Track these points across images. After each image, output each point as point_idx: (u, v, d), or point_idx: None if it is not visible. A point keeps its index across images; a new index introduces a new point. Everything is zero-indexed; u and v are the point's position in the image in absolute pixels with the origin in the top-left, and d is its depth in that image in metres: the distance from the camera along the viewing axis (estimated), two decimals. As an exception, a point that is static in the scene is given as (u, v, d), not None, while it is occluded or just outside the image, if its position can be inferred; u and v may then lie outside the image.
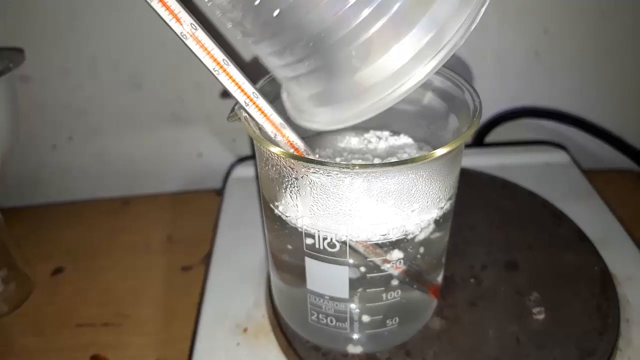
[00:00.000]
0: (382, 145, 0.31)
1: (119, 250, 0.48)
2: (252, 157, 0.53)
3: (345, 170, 0.22)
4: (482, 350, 0.31)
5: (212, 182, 0.56)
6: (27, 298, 0.44)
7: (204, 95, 0.51)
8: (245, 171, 0.50)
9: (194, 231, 0.50)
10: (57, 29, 0.46)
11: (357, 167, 0.22)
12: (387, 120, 0.32)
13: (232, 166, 0.51)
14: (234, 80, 0.26)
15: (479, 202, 0.41)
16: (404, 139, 0.32)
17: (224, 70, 0.26)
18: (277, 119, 0.27)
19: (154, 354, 0.39)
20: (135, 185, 0.56)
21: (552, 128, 0.54)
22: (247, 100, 0.26)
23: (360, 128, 0.33)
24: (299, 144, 0.27)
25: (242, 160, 0.52)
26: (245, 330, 0.35)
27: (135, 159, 0.55)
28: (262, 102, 0.27)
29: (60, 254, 0.48)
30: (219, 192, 0.54)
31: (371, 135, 0.33)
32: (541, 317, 0.33)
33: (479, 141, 0.54)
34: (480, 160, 0.47)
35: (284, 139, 0.27)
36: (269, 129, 0.27)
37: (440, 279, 0.32)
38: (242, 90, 0.26)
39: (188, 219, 0.52)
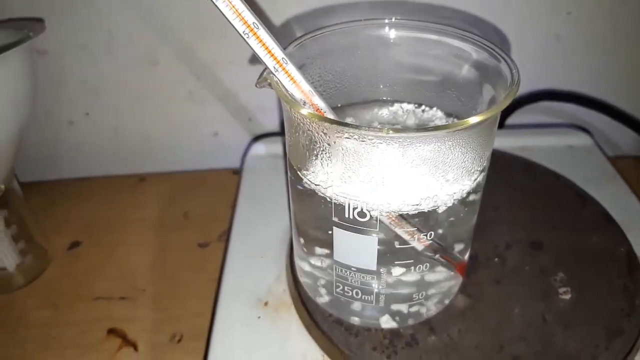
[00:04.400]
0: (410, 117, 0.31)
1: (134, 226, 0.48)
2: (270, 135, 0.52)
3: (380, 135, 0.22)
4: (507, 328, 0.30)
5: (227, 161, 0.56)
6: (44, 271, 0.44)
7: (220, 73, 0.50)
8: (264, 148, 0.49)
9: (210, 209, 0.50)
10: (74, 3, 0.45)
11: (393, 132, 0.21)
12: (414, 92, 0.32)
13: (251, 143, 0.51)
14: (264, 45, 0.26)
15: (502, 182, 0.40)
16: (432, 112, 0.31)
17: (254, 34, 0.25)
18: (305, 86, 0.26)
19: (170, 328, 0.39)
20: (151, 163, 0.56)
21: (572, 112, 0.53)
22: (277, 66, 0.26)
23: (387, 101, 0.32)
24: (327, 112, 0.27)
25: (260, 137, 0.52)
26: (266, 304, 0.34)
27: (151, 137, 0.55)
28: (291, 68, 0.26)
29: (76, 229, 0.48)
30: (235, 171, 0.53)
31: (397, 107, 0.32)
32: (567, 297, 0.32)
33: (500, 123, 0.53)
34: (502, 142, 0.46)
35: (312, 106, 0.27)
36: (298, 95, 0.26)
37: (466, 256, 0.31)
38: (272, 55, 0.26)
39: (204, 196, 0.52)
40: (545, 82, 0.52)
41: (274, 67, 0.26)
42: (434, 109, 0.31)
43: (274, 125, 0.54)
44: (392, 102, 0.32)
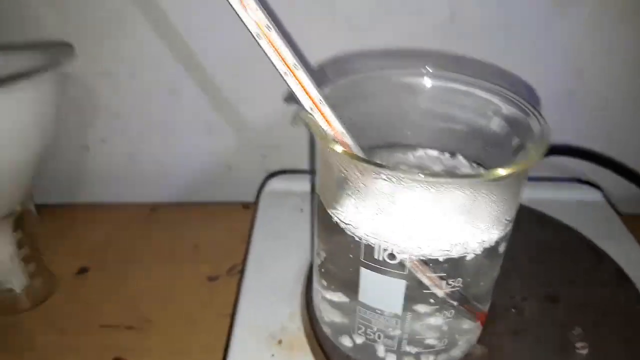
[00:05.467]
0: (437, 163, 0.31)
1: (144, 255, 0.48)
2: (286, 172, 0.53)
3: (418, 179, 0.22)
4: (526, 381, 0.30)
5: (239, 196, 0.56)
6: (51, 295, 0.43)
7: (239, 108, 0.51)
8: (279, 185, 0.50)
9: (221, 242, 0.49)
10: (103, 29, 0.46)
11: (431, 177, 0.22)
12: (440, 139, 0.32)
13: (266, 179, 0.51)
14: (302, 85, 0.26)
15: (517, 234, 0.40)
16: (457, 159, 0.32)
17: (294, 74, 0.26)
18: (339, 127, 0.27)
19: (177, 361, 0.39)
20: (163, 192, 0.56)
21: (583, 168, 0.54)
22: (312, 106, 0.27)
23: (411, 146, 0.33)
24: (359, 154, 0.27)
25: (276, 173, 0.52)
26: (279, 342, 0.34)
27: (166, 167, 0.55)
28: (326, 109, 0.27)
29: (85, 255, 0.48)
30: (246, 205, 0.53)
31: (421, 153, 0.33)
32: (585, 352, 0.32)
33: (511, 175, 0.54)
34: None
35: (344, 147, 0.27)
36: (330, 136, 0.27)
37: (488, 306, 0.31)
38: (309, 96, 0.26)
39: (215, 230, 0.51)
40: (557, 137, 0.53)
41: (310, 107, 0.26)
42: (459, 156, 0.32)
43: (287, 163, 0.55)
44: (415, 147, 0.33)
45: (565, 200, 0.48)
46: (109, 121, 0.52)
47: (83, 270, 0.46)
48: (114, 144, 0.53)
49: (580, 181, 0.53)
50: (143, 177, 0.55)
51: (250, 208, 0.52)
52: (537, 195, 0.48)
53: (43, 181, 0.53)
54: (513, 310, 0.35)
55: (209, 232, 0.51)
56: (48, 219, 0.50)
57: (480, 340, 0.32)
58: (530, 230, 0.42)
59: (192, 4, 0.45)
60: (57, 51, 0.42)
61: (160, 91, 0.50)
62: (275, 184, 0.50)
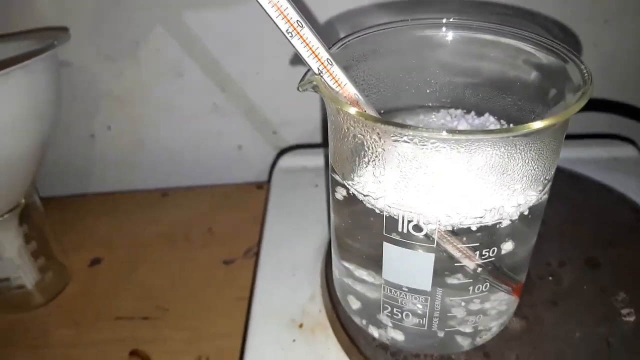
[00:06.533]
0: (462, 123, 0.28)
1: (157, 242, 0.47)
2: (297, 147, 0.50)
3: (445, 137, 0.19)
4: (570, 354, 0.28)
5: (251, 175, 0.54)
6: (64, 289, 0.42)
7: (246, 86, 0.49)
8: (291, 161, 0.47)
9: (235, 224, 0.48)
10: (101, 13, 0.44)
11: (460, 134, 0.19)
12: (464, 98, 0.30)
13: (278, 156, 0.49)
14: (307, 45, 0.24)
15: (550, 193, 0.38)
16: (484, 118, 0.29)
17: (298, 33, 0.23)
18: (351, 89, 0.25)
19: (195, 350, 0.37)
20: (174, 177, 0.54)
21: (610, 121, 0.51)
22: (321, 67, 0.24)
23: (432, 107, 0.30)
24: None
25: (287, 150, 0.50)
26: (301, 325, 0.32)
27: (174, 150, 0.53)
28: (336, 69, 0.24)
29: (97, 245, 0.46)
30: (260, 185, 0.51)
31: (443, 114, 0.30)
32: (631, 319, 0.30)
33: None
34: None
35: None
36: (342, 100, 0.24)
37: (524, 277, 0.28)
38: (316, 56, 0.24)
39: (228, 211, 0.50)
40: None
41: (318, 69, 0.24)
42: (486, 114, 0.29)
43: (298, 139, 0.52)
44: (438, 108, 0.30)
45: (598, 157, 0.45)
46: (114, 108, 0.50)
47: (96, 262, 0.45)
48: (120, 131, 0.52)
49: (612, 136, 0.49)
50: (152, 162, 0.54)
51: (263, 188, 0.50)
52: (569, 154, 0.44)
53: (50, 173, 0.51)
54: (550, 278, 0.32)
55: (223, 214, 0.49)
56: (57, 211, 0.48)
57: (516, 313, 0.30)
58: (562, 190, 0.39)
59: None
60: (51, 36, 0.39)
61: (165, 74, 0.48)
62: (288, 161, 0.47)
